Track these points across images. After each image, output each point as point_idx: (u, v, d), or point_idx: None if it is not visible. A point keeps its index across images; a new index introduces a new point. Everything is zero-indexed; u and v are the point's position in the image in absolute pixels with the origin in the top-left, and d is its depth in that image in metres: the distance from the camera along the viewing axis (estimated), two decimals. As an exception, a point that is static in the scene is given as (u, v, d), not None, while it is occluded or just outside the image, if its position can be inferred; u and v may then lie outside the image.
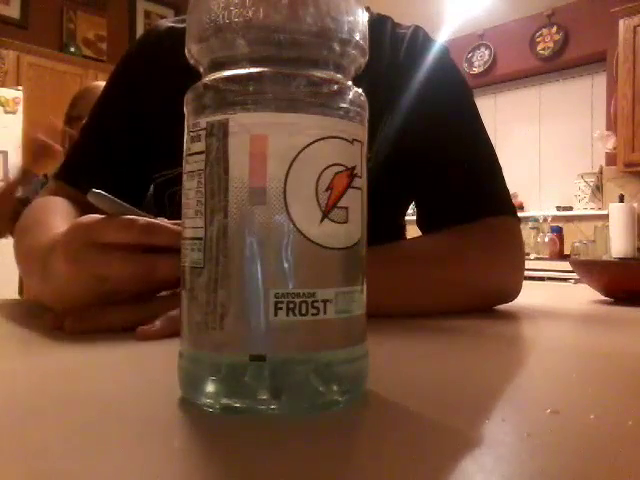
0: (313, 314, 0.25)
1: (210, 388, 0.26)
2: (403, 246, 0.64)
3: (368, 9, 0.81)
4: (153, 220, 0.44)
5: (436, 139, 0.71)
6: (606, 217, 3.36)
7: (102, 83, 1.74)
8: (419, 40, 0.76)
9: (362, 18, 0.28)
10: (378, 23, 0.79)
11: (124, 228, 0.43)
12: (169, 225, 0.44)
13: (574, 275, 0.94)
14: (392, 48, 0.76)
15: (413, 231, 0.74)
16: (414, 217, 0.76)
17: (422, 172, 0.73)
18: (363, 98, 0.28)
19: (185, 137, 0.28)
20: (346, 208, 0.26)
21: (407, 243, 0.68)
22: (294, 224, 0.25)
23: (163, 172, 0.76)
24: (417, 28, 0.78)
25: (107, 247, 0.43)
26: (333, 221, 0.26)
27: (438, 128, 0.71)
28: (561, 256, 3.51)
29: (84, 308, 0.45)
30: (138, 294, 0.46)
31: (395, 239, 0.70)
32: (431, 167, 0.72)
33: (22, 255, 0.58)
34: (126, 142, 0.76)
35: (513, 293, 0.67)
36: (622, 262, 0.99)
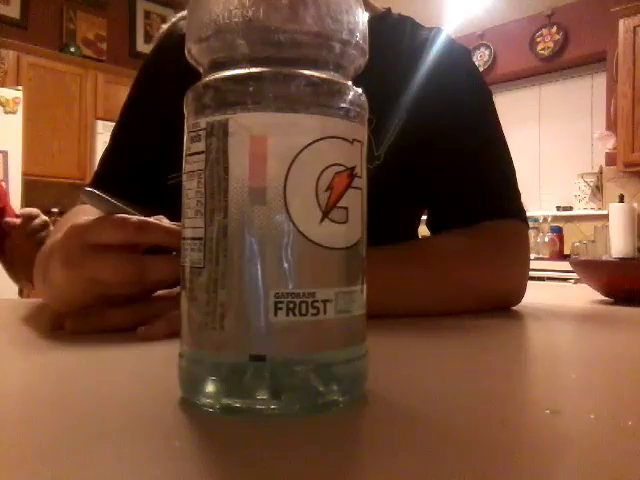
0: (313, 314, 0.25)
1: (210, 388, 0.26)
2: (409, 247, 0.64)
3: (389, 10, 0.81)
4: (146, 218, 0.44)
5: (451, 141, 0.71)
6: (606, 217, 3.36)
7: None
8: (440, 42, 0.76)
9: (362, 18, 0.28)
10: (397, 24, 0.79)
11: (117, 228, 0.43)
12: (162, 223, 0.44)
13: (574, 275, 0.94)
14: (411, 49, 0.76)
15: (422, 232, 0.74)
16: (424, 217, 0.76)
17: (432, 173, 0.73)
18: (363, 98, 0.28)
19: (185, 137, 0.28)
20: (346, 208, 0.26)
21: (412, 244, 0.68)
22: (294, 224, 0.25)
23: (177, 174, 0.76)
24: (439, 30, 0.78)
25: (102, 249, 0.43)
26: (333, 221, 0.26)
27: (453, 130, 0.71)
28: (561, 256, 3.51)
29: (84, 308, 0.45)
30: (134, 295, 0.46)
31: (409, 238, 0.70)
32: (441, 169, 0.72)
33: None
34: (150, 147, 0.76)
35: (517, 297, 0.67)
36: (622, 262, 0.99)
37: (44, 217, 1.38)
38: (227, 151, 0.25)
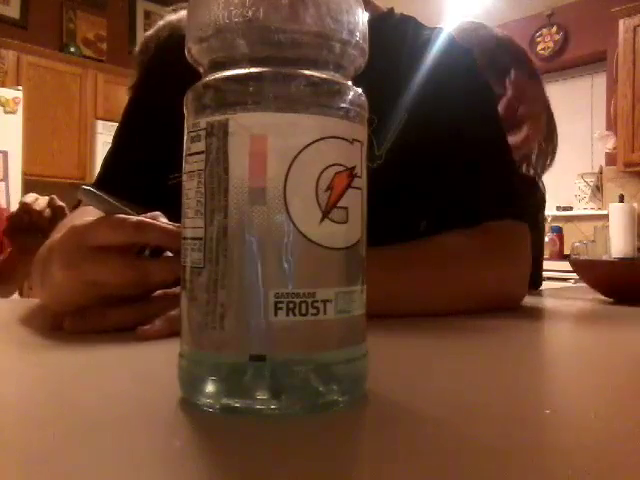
0: (313, 314, 0.25)
1: (210, 388, 0.26)
2: (409, 247, 0.64)
3: (392, 10, 0.81)
4: (143, 218, 0.44)
5: (451, 140, 0.71)
6: (606, 217, 3.36)
7: None
8: (442, 42, 0.76)
9: (362, 18, 0.28)
10: (399, 23, 0.80)
11: (115, 228, 0.42)
12: (159, 223, 0.44)
13: (574, 275, 0.94)
14: (413, 49, 0.76)
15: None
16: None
17: (432, 173, 0.73)
18: (363, 98, 0.28)
19: (185, 137, 0.28)
20: (346, 208, 0.26)
21: (413, 244, 0.68)
22: (294, 224, 0.25)
23: (177, 174, 0.75)
24: (441, 30, 0.78)
25: (101, 251, 0.43)
26: (333, 221, 0.26)
27: (454, 129, 0.71)
28: (561, 256, 3.51)
29: (83, 309, 0.45)
30: (134, 296, 0.46)
31: (410, 239, 0.70)
32: (441, 169, 0.72)
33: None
34: (152, 148, 0.75)
35: (518, 298, 0.67)
36: (622, 262, 0.99)
37: (42, 198, 1.36)
38: (227, 151, 0.25)
